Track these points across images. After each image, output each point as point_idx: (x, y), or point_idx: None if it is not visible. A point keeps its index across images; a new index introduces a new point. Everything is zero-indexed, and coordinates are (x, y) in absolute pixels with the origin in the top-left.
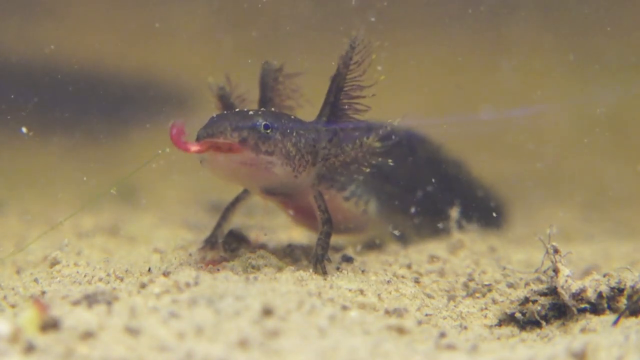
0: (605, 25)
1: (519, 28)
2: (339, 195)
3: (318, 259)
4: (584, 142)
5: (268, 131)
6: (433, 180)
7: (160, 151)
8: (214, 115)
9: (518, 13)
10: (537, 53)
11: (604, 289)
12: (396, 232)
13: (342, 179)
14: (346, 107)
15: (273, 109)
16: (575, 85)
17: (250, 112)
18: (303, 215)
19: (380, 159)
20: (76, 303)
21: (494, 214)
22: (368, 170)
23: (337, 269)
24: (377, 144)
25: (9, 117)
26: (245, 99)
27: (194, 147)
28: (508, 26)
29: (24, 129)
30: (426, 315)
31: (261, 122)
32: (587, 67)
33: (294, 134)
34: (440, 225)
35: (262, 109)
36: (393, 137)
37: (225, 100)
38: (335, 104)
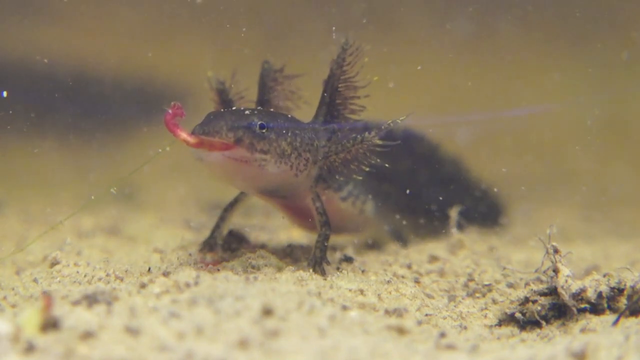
0: (600, 26)
1: (511, 31)
2: (336, 196)
3: (316, 261)
4: (583, 142)
5: (264, 131)
6: (431, 179)
7: (160, 150)
8: (211, 112)
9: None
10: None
11: (604, 289)
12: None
13: (340, 179)
14: (342, 107)
15: (272, 109)
16: (572, 87)
17: (247, 112)
18: (301, 217)
19: (379, 160)
20: (76, 303)
21: (493, 213)
22: (367, 169)
23: (337, 269)
24: (378, 141)
25: (8, 126)
26: (244, 96)
27: (183, 135)
28: (499, 29)
29: (5, 93)
30: (426, 315)
31: (257, 121)
32: (582, 70)
33: (290, 133)
34: (439, 226)
35: (259, 107)
36: (396, 139)
37: (224, 96)
38: (331, 104)
